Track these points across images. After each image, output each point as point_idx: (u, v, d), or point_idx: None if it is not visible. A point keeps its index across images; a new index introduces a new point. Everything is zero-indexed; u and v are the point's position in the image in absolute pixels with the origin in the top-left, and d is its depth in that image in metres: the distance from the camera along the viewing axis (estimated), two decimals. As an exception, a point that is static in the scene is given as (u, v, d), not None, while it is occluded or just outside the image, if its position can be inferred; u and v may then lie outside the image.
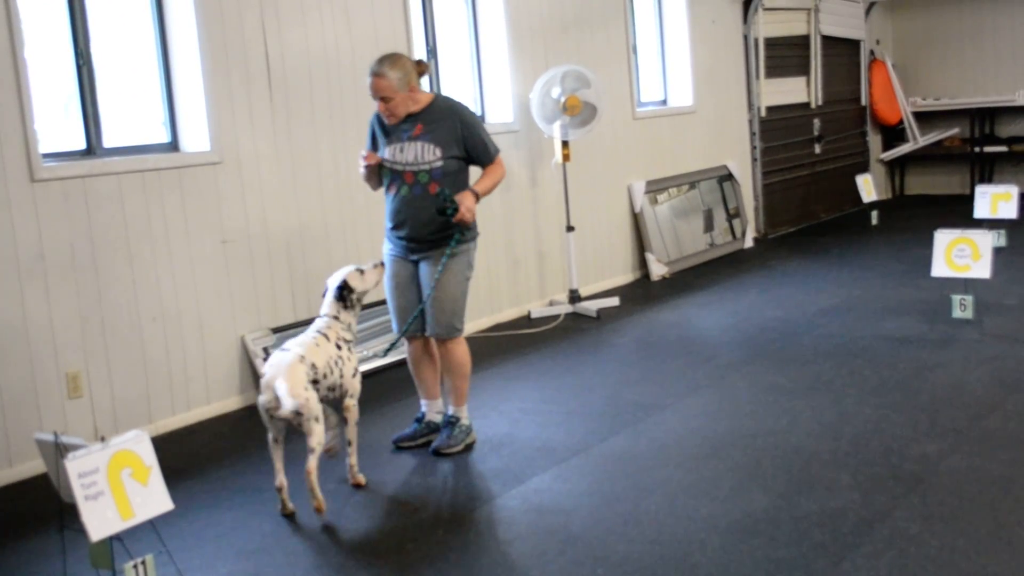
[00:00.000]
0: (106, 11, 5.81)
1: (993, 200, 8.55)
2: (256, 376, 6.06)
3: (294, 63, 6.49)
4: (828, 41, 12.13)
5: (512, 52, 8.10)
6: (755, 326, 7.24)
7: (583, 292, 8.59)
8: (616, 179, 9.24)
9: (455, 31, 8.04)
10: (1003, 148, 12.89)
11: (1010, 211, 8.50)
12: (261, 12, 6.30)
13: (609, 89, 8.63)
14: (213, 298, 6.05)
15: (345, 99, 6.80)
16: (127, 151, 5.84)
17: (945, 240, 6.58)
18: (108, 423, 5.57)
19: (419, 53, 7.50)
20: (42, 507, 4.69)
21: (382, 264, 4.87)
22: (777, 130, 11.44)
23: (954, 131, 13.24)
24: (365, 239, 6.92)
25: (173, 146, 6.10)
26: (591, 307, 8.03)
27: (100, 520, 3.44)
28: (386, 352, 5.44)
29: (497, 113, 8.18)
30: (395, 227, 5.04)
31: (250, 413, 5.76)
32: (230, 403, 6.15)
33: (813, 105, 12.02)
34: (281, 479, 4.39)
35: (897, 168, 13.86)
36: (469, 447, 5.14)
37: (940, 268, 6.59)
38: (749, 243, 10.76)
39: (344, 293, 4.70)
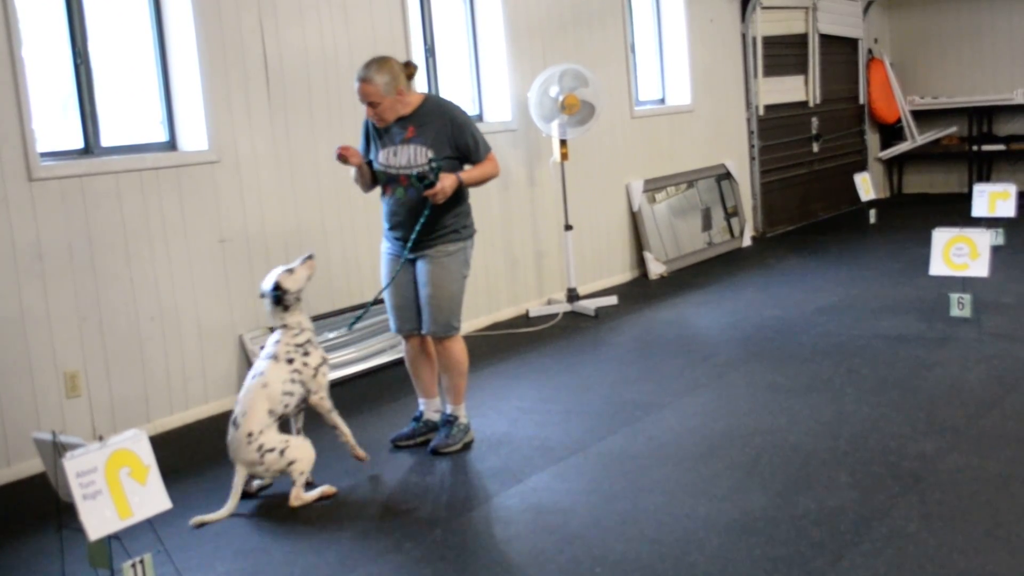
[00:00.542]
0: (104, 10, 5.80)
1: (991, 199, 8.56)
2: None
3: (292, 62, 6.49)
4: (826, 40, 12.13)
5: (510, 51, 8.10)
6: (753, 325, 7.24)
7: (581, 291, 8.59)
8: (614, 178, 9.25)
9: (453, 30, 8.04)
10: (1001, 147, 12.90)
11: (1008, 209, 8.51)
12: (259, 11, 6.29)
13: (607, 88, 8.63)
14: (211, 297, 6.05)
15: (343, 98, 6.79)
16: (125, 150, 5.84)
17: (943, 239, 6.58)
18: (106, 422, 5.56)
19: (417, 52, 7.50)
20: (40, 506, 4.68)
21: (311, 257, 4.81)
22: (775, 129, 11.44)
23: (952, 130, 13.25)
24: (363, 238, 6.92)
25: (171, 145, 6.10)
26: (589, 306, 8.04)
27: (98, 519, 3.44)
28: (351, 326, 5.44)
29: (495, 112, 8.17)
30: (392, 228, 5.05)
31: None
32: (228, 402, 6.14)
33: (811, 104, 12.02)
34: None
35: (895, 167, 13.86)
36: (468, 446, 5.14)
37: (938, 267, 6.60)
38: (747, 242, 10.76)
39: (279, 295, 4.66)
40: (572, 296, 8.22)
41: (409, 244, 4.96)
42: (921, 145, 13.29)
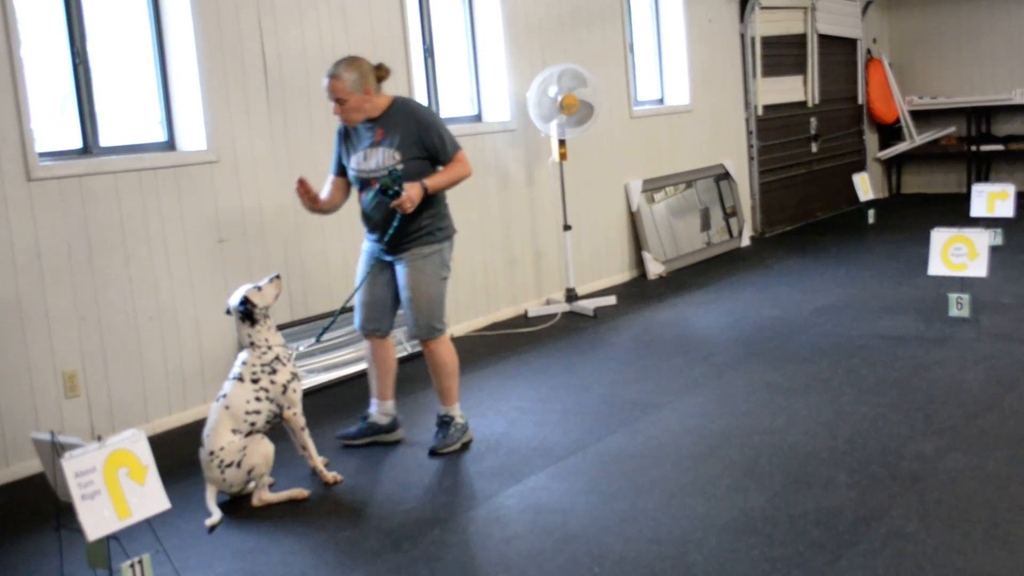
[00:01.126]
0: (102, 10, 5.80)
1: (990, 199, 8.56)
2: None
3: (291, 62, 6.49)
4: (825, 40, 12.13)
5: (509, 51, 8.10)
6: (752, 325, 7.24)
7: (580, 291, 8.59)
8: (613, 178, 9.25)
9: (452, 30, 8.04)
10: (1000, 147, 12.91)
11: (1007, 210, 8.51)
12: (258, 11, 6.29)
13: (606, 88, 8.63)
14: (210, 297, 6.05)
15: (342, 98, 6.79)
16: (123, 150, 5.84)
17: (942, 239, 6.58)
18: (105, 422, 5.56)
19: (416, 52, 7.50)
20: (39, 506, 4.68)
21: (278, 277, 4.76)
22: (774, 129, 11.44)
23: (951, 130, 13.25)
24: (361, 238, 6.90)
25: (169, 145, 6.10)
26: (588, 306, 8.04)
27: (97, 519, 3.44)
28: (317, 339, 5.36)
29: (494, 112, 8.17)
30: (369, 230, 5.10)
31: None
32: (227, 402, 6.14)
33: (810, 104, 12.02)
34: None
35: (894, 167, 13.87)
36: (466, 445, 5.14)
37: (937, 267, 6.60)
38: (746, 242, 10.76)
39: (248, 309, 4.64)
40: (571, 296, 8.22)
41: (382, 246, 4.98)
42: (920, 145, 13.29)
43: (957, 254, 6.52)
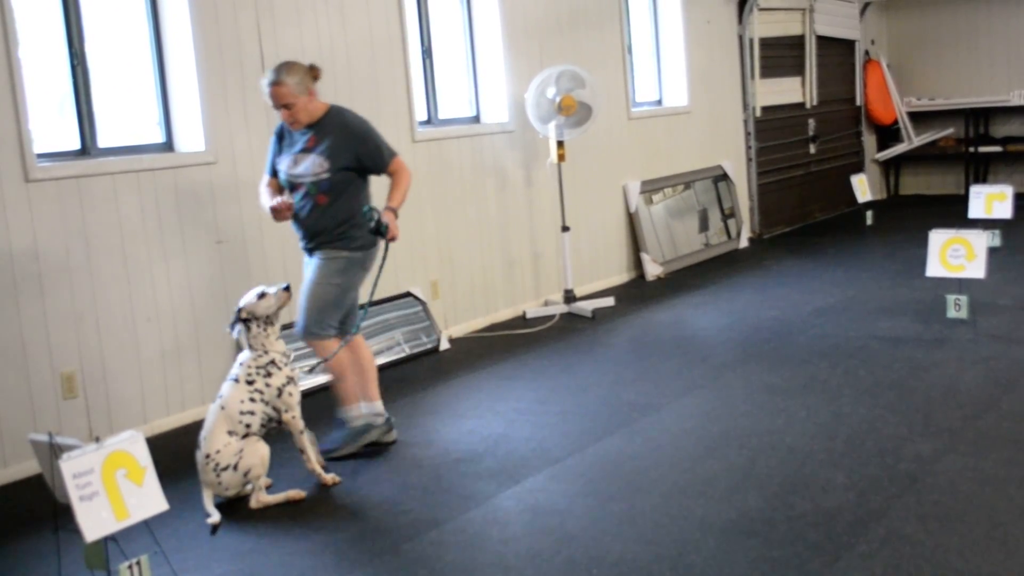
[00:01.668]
0: (100, 10, 5.80)
1: (988, 200, 8.57)
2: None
3: (289, 63, 6.48)
4: (823, 41, 12.14)
5: (507, 52, 8.10)
6: (750, 326, 7.25)
7: (578, 292, 8.59)
8: (611, 179, 9.25)
9: (450, 31, 8.04)
10: (998, 148, 12.92)
11: (1005, 211, 8.52)
12: (256, 12, 6.29)
13: (604, 89, 8.63)
14: (208, 298, 6.05)
15: (340, 99, 6.77)
16: (122, 151, 5.83)
17: (940, 240, 6.59)
18: (103, 423, 5.56)
19: (414, 53, 7.50)
20: (37, 508, 4.68)
21: (286, 290, 4.74)
22: (772, 130, 11.45)
23: (949, 131, 13.26)
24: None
25: (168, 146, 6.09)
26: (586, 307, 8.04)
27: (95, 521, 3.44)
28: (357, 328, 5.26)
29: (492, 113, 8.17)
30: (299, 232, 5.14)
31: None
32: (225, 403, 6.14)
33: (808, 105, 12.03)
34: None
35: (892, 168, 13.88)
36: (382, 445, 5.15)
37: (935, 268, 6.60)
38: (744, 243, 10.77)
39: (242, 319, 4.68)
40: (569, 297, 8.22)
41: (308, 248, 5.12)
42: (918, 146, 13.30)
43: (955, 255, 6.53)
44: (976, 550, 3.61)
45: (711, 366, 6.30)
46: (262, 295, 4.67)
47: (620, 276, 9.35)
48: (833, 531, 3.85)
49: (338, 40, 6.79)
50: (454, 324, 7.65)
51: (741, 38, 11.03)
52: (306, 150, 4.99)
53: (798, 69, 11.88)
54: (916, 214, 11.88)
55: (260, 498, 4.53)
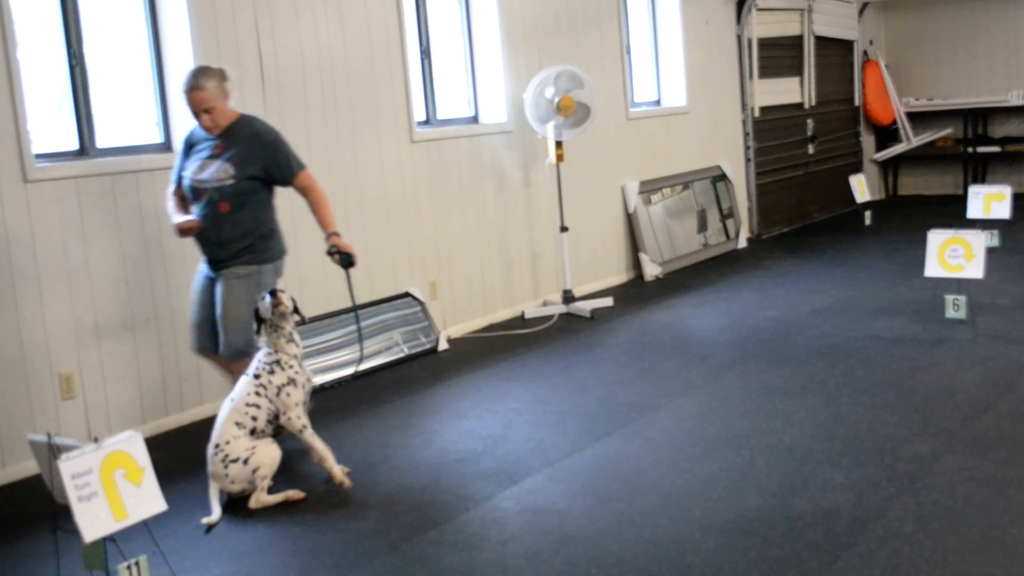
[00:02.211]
0: (99, 11, 5.80)
1: (986, 200, 8.56)
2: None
3: (287, 64, 6.48)
4: (821, 41, 12.15)
5: (506, 52, 8.10)
6: (749, 326, 7.25)
7: (577, 292, 8.59)
8: (610, 179, 9.25)
9: (449, 32, 8.04)
10: (996, 148, 12.93)
11: (1003, 211, 8.51)
12: (255, 13, 6.29)
13: (603, 89, 8.63)
14: (207, 299, 6.04)
15: (339, 100, 6.80)
16: (120, 152, 5.83)
17: (938, 240, 6.59)
18: (101, 424, 5.56)
19: (413, 54, 7.50)
20: (35, 508, 4.68)
21: (273, 294, 4.72)
22: (771, 130, 11.45)
23: (947, 131, 13.27)
24: (359, 239, 6.92)
25: (166, 146, 6.08)
26: (585, 307, 8.04)
27: (93, 521, 3.44)
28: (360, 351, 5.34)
29: (491, 113, 8.17)
30: (200, 245, 5.08)
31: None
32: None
33: (807, 105, 12.04)
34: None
35: (890, 168, 13.88)
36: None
37: (933, 268, 6.60)
38: (743, 243, 10.77)
39: (257, 315, 4.75)
40: (568, 298, 8.22)
41: (209, 261, 5.03)
42: (916, 147, 13.31)
43: (954, 255, 6.53)
44: (974, 550, 3.62)
45: (710, 366, 6.30)
46: (272, 295, 4.71)
47: (618, 276, 9.36)
48: (832, 531, 3.85)
49: (336, 41, 6.79)
50: (452, 324, 7.65)
51: (739, 38, 11.04)
52: (213, 156, 4.97)
53: (796, 69, 11.89)
54: (914, 214, 11.89)
55: (260, 498, 4.53)
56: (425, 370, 6.76)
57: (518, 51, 8.22)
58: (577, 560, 3.80)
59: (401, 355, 6.95)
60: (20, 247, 5.21)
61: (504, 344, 7.30)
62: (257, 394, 4.64)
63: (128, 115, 6.03)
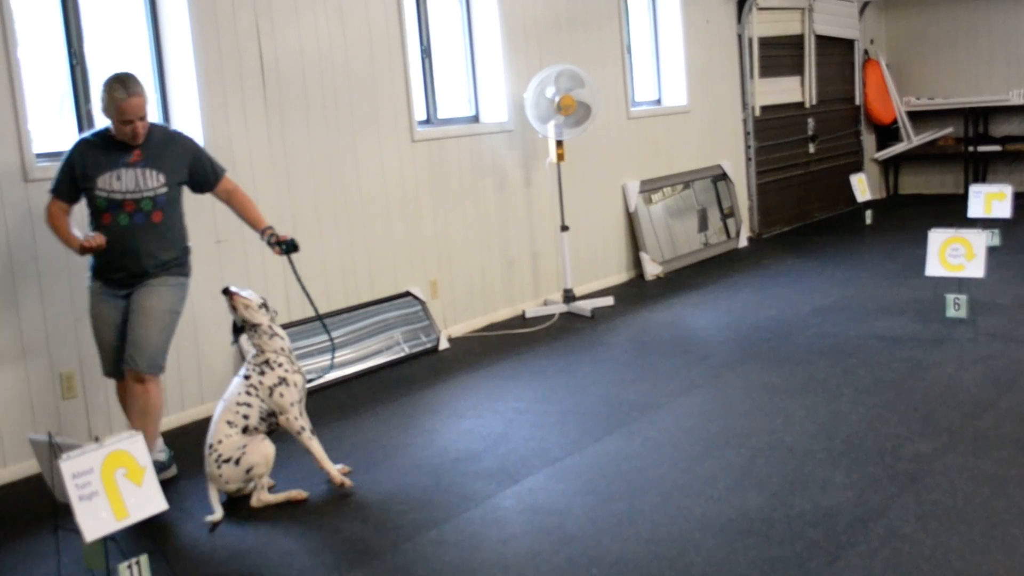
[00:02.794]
0: (99, 11, 5.80)
1: (987, 199, 8.56)
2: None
3: (288, 63, 6.49)
4: (822, 41, 12.14)
5: (506, 52, 8.10)
6: (749, 325, 7.25)
7: (577, 292, 8.59)
8: (610, 179, 9.25)
9: (449, 31, 8.04)
10: (997, 147, 12.92)
11: (1004, 210, 8.51)
12: (255, 12, 6.29)
13: (603, 89, 8.63)
14: (207, 298, 6.04)
15: (339, 99, 6.80)
16: (121, 151, 5.82)
17: (939, 239, 6.59)
18: (102, 423, 5.56)
19: (413, 53, 7.50)
20: (36, 507, 4.68)
21: (225, 292, 4.71)
22: (771, 130, 11.45)
23: (948, 130, 13.26)
24: (359, 239, 6.93)
25: (167, 146, 6.08)
26: (586, 307, 8.04)
27: (94, 520, 3.44)
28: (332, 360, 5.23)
29: (491, 113, 8.17)
30: (109, 262, 4.74)
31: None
32: (224, 403, 6.14)
33: (807, 105, 12.03)
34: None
35: (891, 167, 13.88)
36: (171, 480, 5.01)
37: (934, 267, 6.60)
38: (743, 243, 10.77)
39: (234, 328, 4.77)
40: (568, 297, 8.22)
41: (123, 276, 4.75)
42: (917, 146, 13.30)
43: (954, 255, 6.53)
44: (975, 549, 3.62)
45: (710, 365, 6.30)
46: (227, 294, 4.72)
47: (619, 276, 9.35)
48: (832, 530, 3.85)
49: (337, 40, 6.79)
50: (453, 324, 7.65)
51: (740, 37, 11.03)
52: (130, 165, 4.67)
53: (797, 68, 11.88)
54: (915, 213, 11.89)
55: (261, 497, 4.53)
56: (426, 369, 6.76)
57: (519, 50, 8.22)
58: (578, 559, 3.80)
59: (402, 354, 6.95)
60: (21, 246, 5.21)
61: (505, 343, 7.30)
62: (248, 393, 4.62)
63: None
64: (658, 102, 10.24)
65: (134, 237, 4.73)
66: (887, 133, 13.64)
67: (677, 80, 10.24)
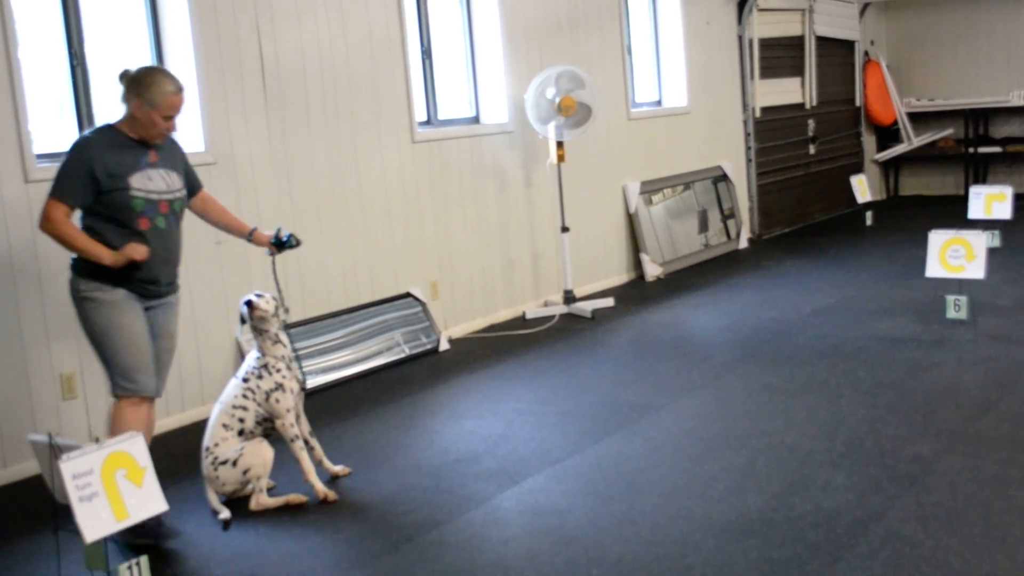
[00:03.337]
0: (100, 11, 5.80)
1: (987, 200, 8.56)
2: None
3: (289, 64, 6.49)
4: (822, 42, 12.14)
5: (507, 53, 8.10)
6: (750, 327, 7.24)
7: (578, 293, 8.59)
8: (611, 180, 9.25)
9: (450, 32, 8.04)
10: (997, 149, 12.92)
11: (1004, 211, 8.51)
12: (256, 13, 6.29)
13: (604, 90, 8.63)
14: (207, 299, 6.04)
15: (340, 100, 6.80)
16: (121, 152, 5.82)
17: (939, 241, 6.59)
18: (103, 424, 5.55)
19: (414, 54, 7.50)
20: (36, 508, 4.68)
21: (248, 303, 4.65)
22: (772, 131, 11.45)
23: (948, 132, 13.27)
24: (360, 240, 6.92)
25: (167, 147, 6.08)
26: (586, 308, 8.04)
27: (94, 521, 3.44)
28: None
29: (492, 114, 8.17)
30: (146, 270, 4.33)
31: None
32: (225, 404, 6.14)
33: (808, 106, 12.03)
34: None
35: (891, 169, 13.88)
36: None
37: (934, 269, 6.60)
38: (744, 244, 10.77)
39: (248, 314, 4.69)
40: (569, 298, 8.22)
41: (156, 287, 4.41)
42: (917, 147, 13.30)
43: (955, 256, 6.52)
44: (975, 551, 3.61)
45: (711, 367, 6.30)
46: (249, 305, 4.69)
47: (620, 277, 9.35)
48: (833, 531, 3.85)
49: (338, 41, 6.80)
50: (454, 325, 7.65)
51: (741, 38, 11.04)
52: (152, 165, 4.36)
53: (798, 70, 11.88)
54: (916, 215, 11.88)
55: (260, 500, 4.52)
56: (426, 370, 6.76)
57: (519, 51, 8.22)
58: (578, 560, 3.79)
59: (402, 355, 6.95)
60: (21, 247, 5.21)
61: (505, 344, 7.29)
62: (244, 396, 4.61)
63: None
64: (658, 103, 10.25)
65: (172, 240, 4.44)
66: (887, 134, 13.64)
67: (677, 81, 10.24)
